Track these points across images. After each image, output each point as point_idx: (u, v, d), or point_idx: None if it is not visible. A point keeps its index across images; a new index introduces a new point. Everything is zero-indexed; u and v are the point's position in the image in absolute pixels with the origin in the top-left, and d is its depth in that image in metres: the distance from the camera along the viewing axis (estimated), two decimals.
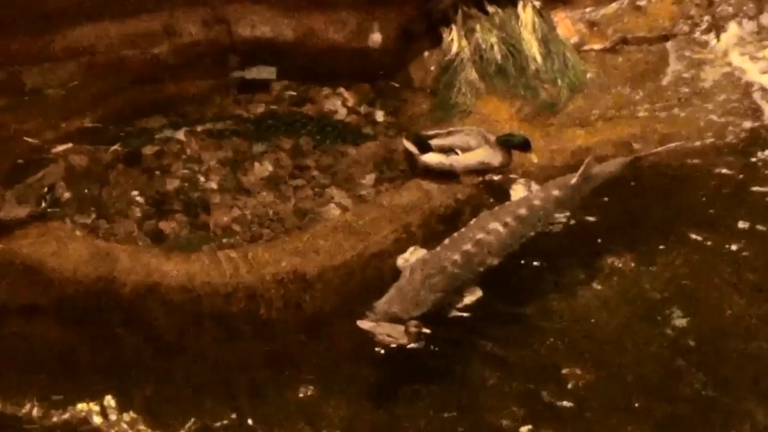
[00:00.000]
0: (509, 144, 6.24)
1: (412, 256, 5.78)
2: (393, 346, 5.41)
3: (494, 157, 6.26)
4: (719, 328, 5.62)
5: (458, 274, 5.62)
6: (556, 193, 6.01)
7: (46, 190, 6.19)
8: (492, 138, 6.28)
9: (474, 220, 5.87)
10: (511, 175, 6.32)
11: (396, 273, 5.74)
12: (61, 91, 7.06)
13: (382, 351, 5.39)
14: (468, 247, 5.66)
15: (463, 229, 5.81)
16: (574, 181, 6.03)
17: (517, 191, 6.15)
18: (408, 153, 6.44)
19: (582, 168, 6.05)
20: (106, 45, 7.11)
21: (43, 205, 6.12)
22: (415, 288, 5.52)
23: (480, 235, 5.71)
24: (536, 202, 5.95)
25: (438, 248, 5.73)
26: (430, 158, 6.30)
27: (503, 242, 5.78)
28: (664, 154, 6.51)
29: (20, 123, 6.83)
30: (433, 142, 6.31)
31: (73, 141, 6.80)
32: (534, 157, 6.24)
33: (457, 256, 5.63)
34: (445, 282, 5.57)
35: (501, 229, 5.76)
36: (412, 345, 5.41)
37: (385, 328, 5.41)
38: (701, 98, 6.99)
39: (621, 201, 6.35)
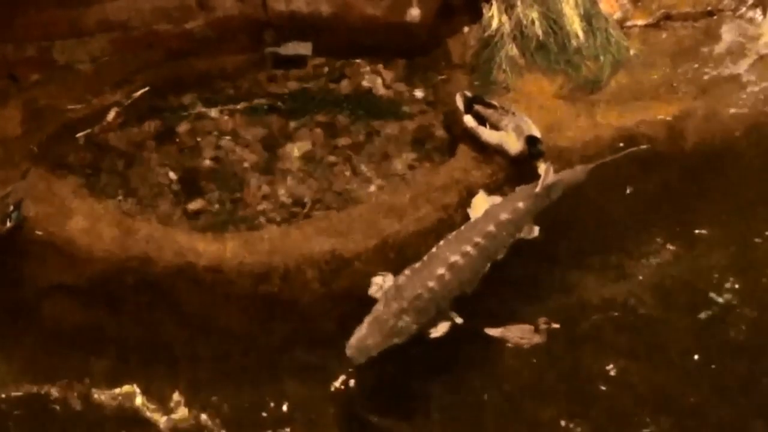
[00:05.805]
0: (529, 144, 6.14)
1: (385, 283, 5.54)
2: (527, 347, 5.49)
3: (511, 146, 6.18)
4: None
5: (436, 300, 5.40)
6: (521, 205, 5.82)
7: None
8: (530, 131, 6.19)
9: (442, 241, 5.61)
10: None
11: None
12: (92, 67, 6.99)
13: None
14: (442, 271, 5.43)
15: (434, 250, 5.56)
16: (537, 190, 5.87)
17: (478, 201, 6.00)
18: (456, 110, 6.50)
19: (542, 176, 5.90)
20: (139, 19, 7.03)
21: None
22: (392, 318, 5.29)
23: (453, 258, 5.48)
24: (504, 217, 5.73)
25: (408, 272, 5.46)
26: (467, 120, 6.37)
27: (475, 264, 5.56)
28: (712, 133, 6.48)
29: (51, 98, 6.78)
30: (476, 107, 6.38)
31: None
32: (541, 168, 6.06)
33: (432, 283, 5.40)
34: (422, 310, 5.35)
35: (472, 250, 5.54)
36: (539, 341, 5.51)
37: (514, 332, 5.50)
38: (747, 76, 6.86)
39: (665, 181, 6.35)
